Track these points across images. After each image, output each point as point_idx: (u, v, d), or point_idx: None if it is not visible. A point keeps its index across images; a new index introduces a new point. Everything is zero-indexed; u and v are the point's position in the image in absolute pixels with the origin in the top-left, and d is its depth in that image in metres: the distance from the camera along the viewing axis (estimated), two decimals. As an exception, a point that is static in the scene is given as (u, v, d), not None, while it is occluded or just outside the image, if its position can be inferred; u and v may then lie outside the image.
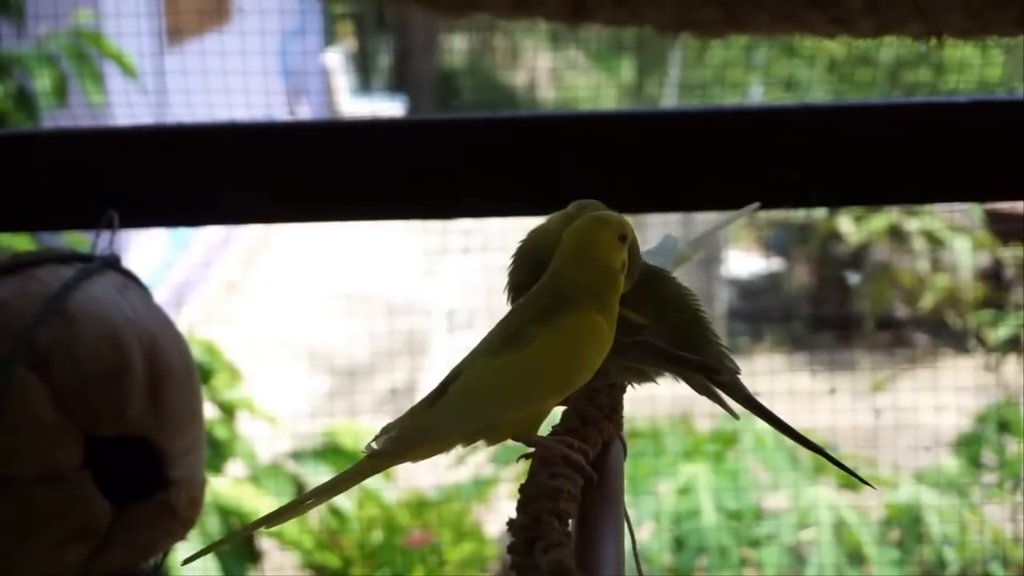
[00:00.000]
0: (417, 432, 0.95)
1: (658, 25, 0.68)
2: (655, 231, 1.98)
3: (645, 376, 1.07)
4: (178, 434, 1.42)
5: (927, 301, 5.98)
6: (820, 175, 1.64)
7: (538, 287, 0.99)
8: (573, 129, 1.70)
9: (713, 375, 1.04)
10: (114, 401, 1.35)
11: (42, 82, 3.51)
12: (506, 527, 0.86)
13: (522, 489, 0.90)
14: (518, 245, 1.11)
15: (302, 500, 0.96)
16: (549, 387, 0.95)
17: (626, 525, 0.96)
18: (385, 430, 0.95)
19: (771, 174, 1.64)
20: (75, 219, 1.72)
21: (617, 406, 1.03)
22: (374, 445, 0.95)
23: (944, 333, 5.93)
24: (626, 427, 1.05)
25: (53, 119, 3.35)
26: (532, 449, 0.95)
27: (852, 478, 1.07)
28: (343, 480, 0.95)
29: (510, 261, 1.11)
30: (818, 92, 4.92)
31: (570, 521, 0.86)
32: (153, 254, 5.98)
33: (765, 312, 6.51)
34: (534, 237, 1.11)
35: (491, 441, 0.96)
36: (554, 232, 1.05)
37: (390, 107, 9.48)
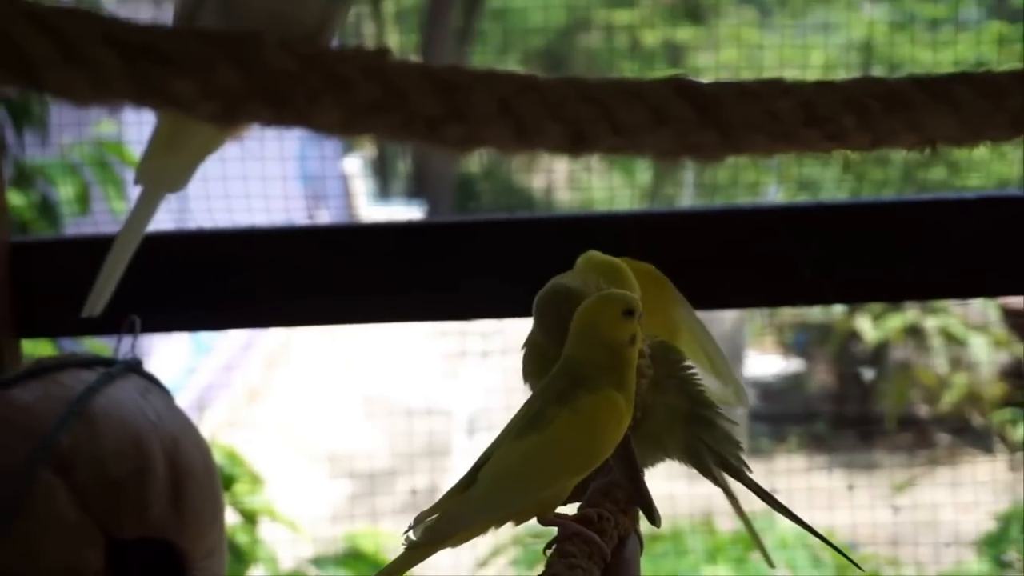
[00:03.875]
0: (452, 519, 0.96)
1: (657, 152, 0.70)
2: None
3: (656, 457, 1.09)
4: (200, 536, 1.42)
5: (948, 400, 5.97)
6: (834, 271, 1.65)
7: (556, 369, 1.01)
8: (589, 229, 1.72)
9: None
10: (136, 503, 1.35)
11: (65, 191, 3.55)
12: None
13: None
14: (535, 305, 1.13)
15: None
16: (571, 466, 0.98)
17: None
18: (419, 519, 0.97)
19: (785, 271, 1.66)
20: (98, 325, 1.74)
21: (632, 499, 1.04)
22: (412, 536, 0.96)
23: (966, 432, 5.90)
24: (646, 528, 1.06)
25: (75, 227, 3.38)
26: (555, 533, 0.97)
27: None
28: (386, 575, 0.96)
29: (534, 316, 1.13)
30: (834, 191, 4.95)
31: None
32: (175, 358, 6.00)
33: (787, 413, 6.49)
34: (547, 298, 1.13)
35: (518, 521, 0.98)
36: (561, 292, 1.08)
37: (409, 213, 9.54)
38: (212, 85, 0.54)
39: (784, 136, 0.70)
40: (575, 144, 0.67)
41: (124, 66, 0.53)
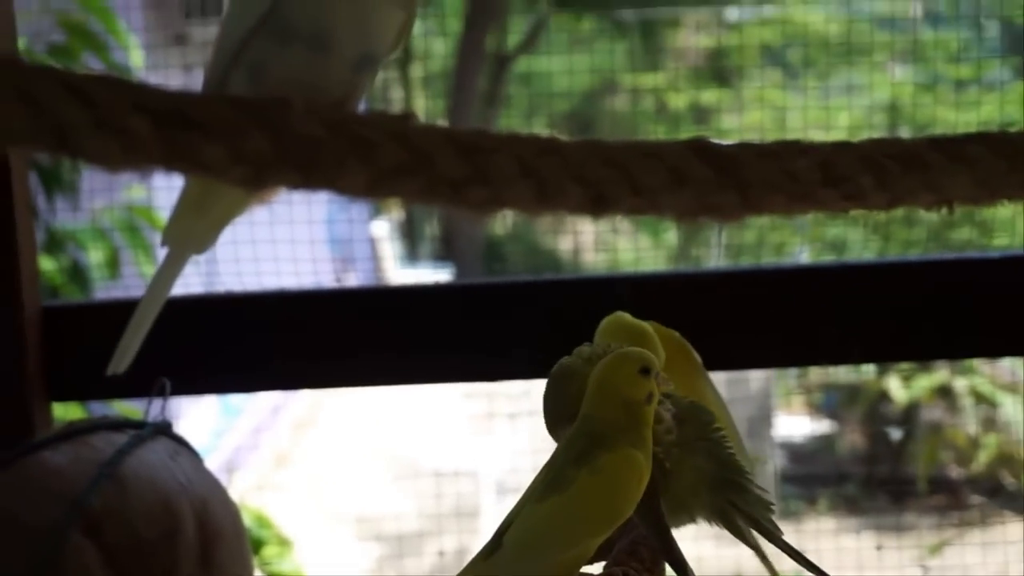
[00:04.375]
0: None
1: (677, 212, 0.71)
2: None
3: (684, 519, 1.09)
4: (228, 597, 1.43)
5: (979, 461, 5.93)
6: (860, 331, 1.66)
7: (574, 429, 1.01)
8: (615, 289, 1.73)
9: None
10: (166, 564, 1.36)
11: (95, 255, 3.58)
12: None
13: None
14: (551, 373, 1.14)
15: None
16: (593, 527, 0.98)
17: None
18: None
19: (810, 330, 1.66)
20: (128, 388, 1.75)
21: (658, 558, 1.04)
22: None
23: (998, 493, 5.86)
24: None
25: (105, 291, 3.40)
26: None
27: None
28: None
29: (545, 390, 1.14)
30: (863, 253, 4.95)
31: None
32: (204, 421, 6.02)
33: (816, 474, 6.46)
34: (551, 378, 1.14)
35: None
36: (584, 355, 1.09)
37: (437, 276, 9.55)
38: (241, 150, 0.55)
39: (802, 196, 0.71)
40: (596, 205, 0.68)
41: (155, 132, 0.54)
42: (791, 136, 0.78)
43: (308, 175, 0.58)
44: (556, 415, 1.11)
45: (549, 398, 1.14)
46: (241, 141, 0.55)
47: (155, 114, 0.55)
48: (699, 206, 0.70)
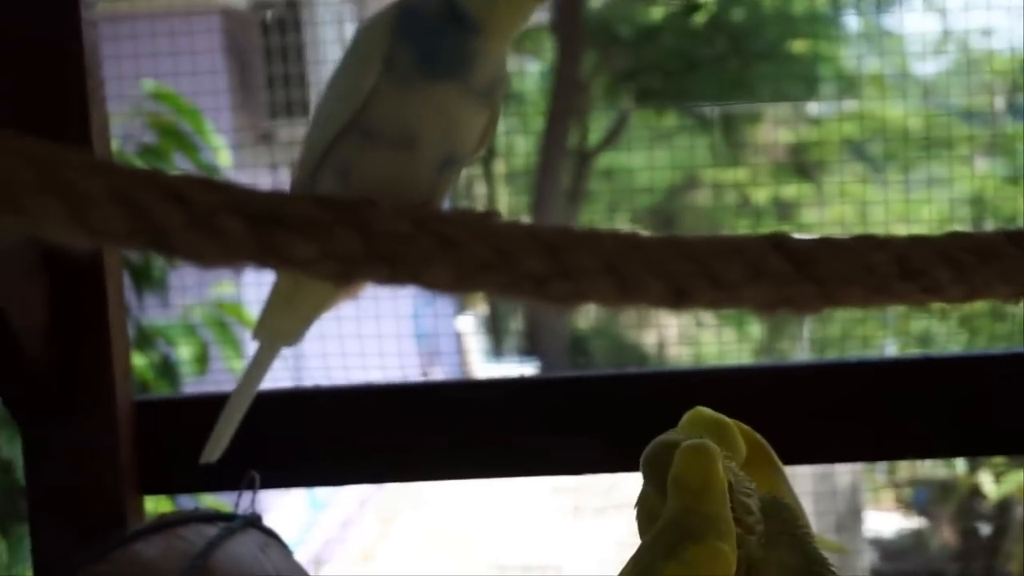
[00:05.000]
0: None
1: (755, 304, 0.72)
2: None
3: None
4: None
5: (1077, 558, 5.82)
6: (949, 424, 1.65)
7: (661, 522, 1.02)
8: (700, 383, 1.73)
9: None
10: (253, 656, 1.38)
11: (184, 351, 3.64)
12: None
13: None
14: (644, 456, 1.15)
15: None
16: None
17: None
18: None
19: (897, 424, 1.65)
20: (218, 481, 1.77)
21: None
22: None
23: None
24: None
25: (193, 387, 3.45)
26: None
27: None
28: None
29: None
30: (949, 346, 4.91)
31: None
32: (292, 514, 6.05)
33: (908, 572, 6.37)
34: (653, 455, 1.14)
35: None
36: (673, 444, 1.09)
37: (522, 370, 9.56)
38: (331, 248, 0.57)
39: (879, 289, 0.72)
40: (677, 299, 0.69)
41: (248, 231, 0.56)
42: (873, 230, 0.79)
43: (395, 271, 0.60)
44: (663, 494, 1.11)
45: (655, 476, 1.14)
46: (331, 239, 0.57)
47: (248, 214, 0.57)
48: (778, 298, 0.72)
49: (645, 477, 1.15)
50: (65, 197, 0.54)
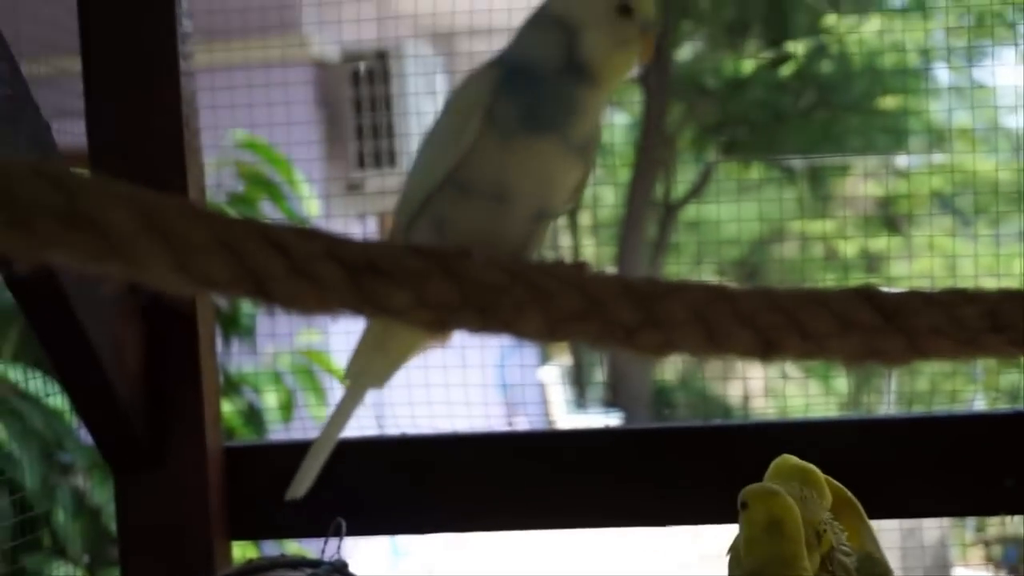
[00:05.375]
0: None
1: (844, 356, 0.73)
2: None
3: None
4: None
5: None
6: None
7: (747, 566, 1.02)
8: (785, 436, 1.72)
9: None
10: None
11: (270, 398, 3.67)
12: None
13: None
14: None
15: None
16: None
17: None
18: None
19: (986, 480, 1.64)
20: (303, 528, 1.79)
21: None
22: None
23: None
24: None
25: (279, 434, 3.48)
26: None
27: None
28: None
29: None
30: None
31: None
32: (374, 562, 6.05)
33: (997, 631, 6.26)
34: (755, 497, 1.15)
35: None
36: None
37: (606, 422, 9.52)
38: (426, 296, 0.59)
39: (968, 341, 0.72)
40: (766, 350, 0.70)
41: (346, 279, 0.58)
42: (962, 283, 0.80)
43: (488, 320, 0.61)
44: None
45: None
46: (426, 288, 0.59)
47: (346, 262, 0.58)
48: (867, 350, 0.72)
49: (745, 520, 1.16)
50: (170, 245, 0.56)
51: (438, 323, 0.59)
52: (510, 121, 0.99)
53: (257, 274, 0.58)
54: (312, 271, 0.57)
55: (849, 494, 1.33)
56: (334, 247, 0.58)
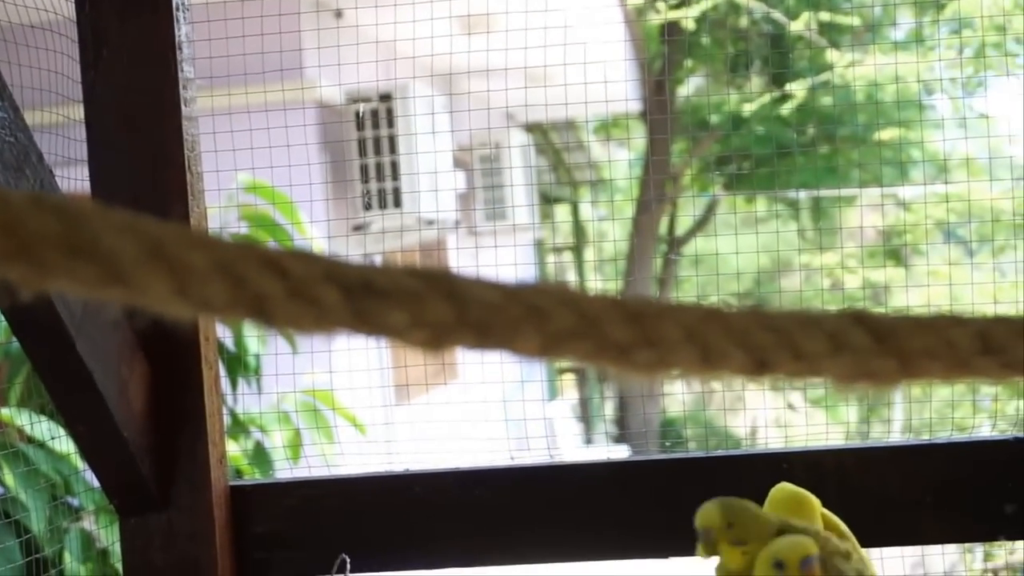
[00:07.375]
0: None
1: (835, 377, 0.74)
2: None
3: None
4: None
5: None
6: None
7: None
8: (792, 464, 1.73)
9: None
10: None
11: (276, 438, 3.68)
12: None
13: None
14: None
15: None
16: None
17: None
18: None
19: (987, 506, 1.64)
20: (308, 565, 1.79)
21: None
22: None
23: None
24: None
25: (287, 472, 3.49)
26: None
27: None
28: None
29: None
30: (1047, 430, 4.83)
31: None
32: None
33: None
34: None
35: None
36: None
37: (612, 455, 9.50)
38: (422, 316, 0.60)
39: (960, 364, 0.73)
40: (759, 369, 0.71)
41: (344, 300, 0.59)
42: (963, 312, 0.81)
43: (484, 338, 0.62)
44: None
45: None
46: (422, 308, 0.60)
47: (343, 284, 0.59)
48: (858, 371, 0.73)
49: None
50: (170, 269, 0.57)
51: (435, 342, 0.61)
52: None
53: (257, 297, 0.59)
54: (310, 293, 0.59)
55: (844, 527, 1.34)
56: (331, 269, 0.59)
